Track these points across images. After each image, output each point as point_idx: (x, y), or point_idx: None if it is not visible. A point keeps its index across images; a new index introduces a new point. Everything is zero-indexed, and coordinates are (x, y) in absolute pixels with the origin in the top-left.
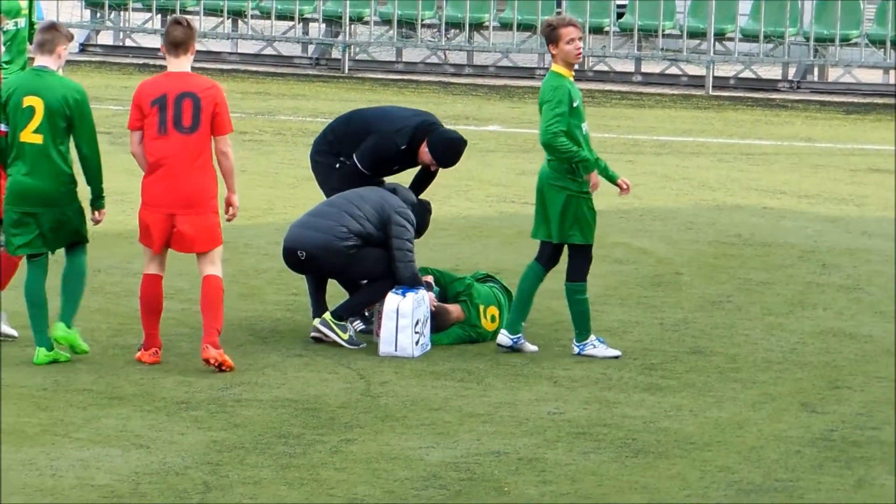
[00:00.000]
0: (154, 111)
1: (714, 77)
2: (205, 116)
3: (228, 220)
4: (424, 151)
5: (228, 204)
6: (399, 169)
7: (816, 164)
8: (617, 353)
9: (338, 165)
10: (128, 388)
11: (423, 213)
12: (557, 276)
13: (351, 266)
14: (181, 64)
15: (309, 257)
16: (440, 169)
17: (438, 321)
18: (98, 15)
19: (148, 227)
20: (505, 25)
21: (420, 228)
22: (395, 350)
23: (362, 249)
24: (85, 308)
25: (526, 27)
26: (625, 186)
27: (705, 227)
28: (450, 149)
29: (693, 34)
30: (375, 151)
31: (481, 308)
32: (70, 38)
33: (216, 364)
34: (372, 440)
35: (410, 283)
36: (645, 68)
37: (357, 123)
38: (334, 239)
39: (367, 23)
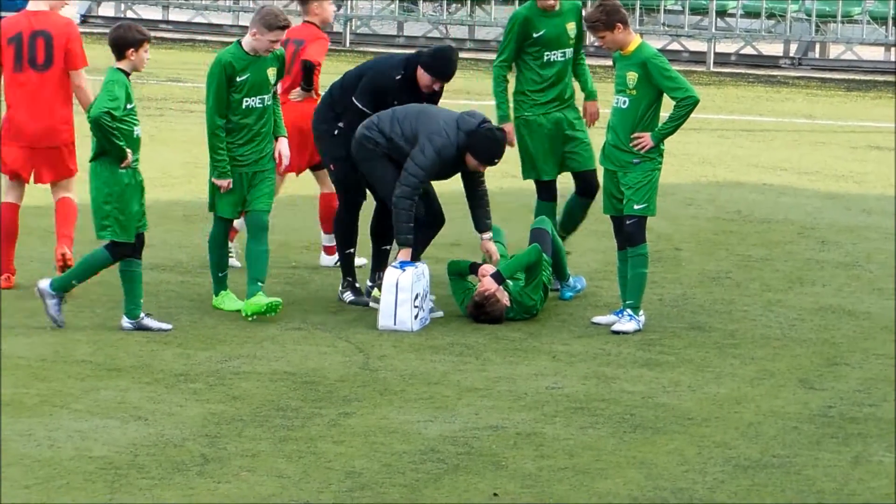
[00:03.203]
0: (11, 49)
1: (715, 53)
2: (57, 53)
3: None
4: (422, 73)
5: None
6: (399, 104)
7: (817, 140)
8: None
9: (336, 132)
10: (126, 360)
11: (486, 141)
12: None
13: (325, 144)
14: (38, 4)
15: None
16: (443, 87)
17: (497, 309)
18: None
19: (14, 160)
20: (506, 0)
21: (485, 152)
22: (394, 324)
23: (346, 135)
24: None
25: None
26: None
27: (705, 204)
28: (443, 57)
29: (695, 10)
30: (373, 86)
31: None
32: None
33: (67, 262)
34: (370, 413)
35: (396, 205)
36: None
37: (349, 78)
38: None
39: None
